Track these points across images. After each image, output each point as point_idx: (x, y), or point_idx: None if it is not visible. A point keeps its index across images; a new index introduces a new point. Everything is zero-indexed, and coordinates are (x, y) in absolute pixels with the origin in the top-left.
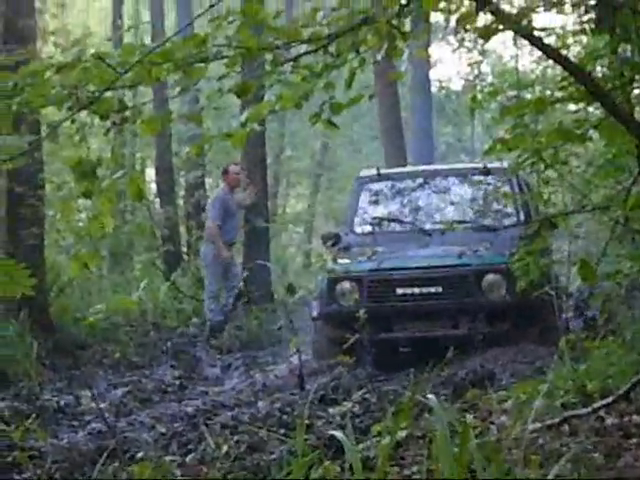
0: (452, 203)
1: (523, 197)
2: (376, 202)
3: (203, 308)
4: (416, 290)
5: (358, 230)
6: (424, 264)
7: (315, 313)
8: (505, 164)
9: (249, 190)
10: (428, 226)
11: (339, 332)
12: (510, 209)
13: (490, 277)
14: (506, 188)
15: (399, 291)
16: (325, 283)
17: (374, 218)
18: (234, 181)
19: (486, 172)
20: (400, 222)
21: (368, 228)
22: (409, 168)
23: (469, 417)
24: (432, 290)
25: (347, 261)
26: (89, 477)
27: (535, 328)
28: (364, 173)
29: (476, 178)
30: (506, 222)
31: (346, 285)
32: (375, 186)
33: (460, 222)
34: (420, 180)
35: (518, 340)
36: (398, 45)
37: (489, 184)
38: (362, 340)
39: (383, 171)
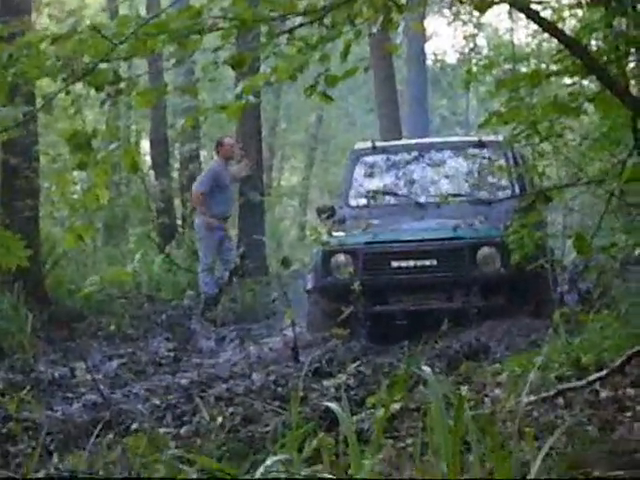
0: (447, 176)
1: (518, 170)
2: (371, 175)
3: (198, 281)
4: (411, 263)
5: (353, 203)
6: (419, 237)
7: (310, 286)
8: (500, 137)
9: (244, 163)
10: (423, 199)
11: (334, 305)
12: (505, 182)
13: (485, 250)
14: (501, 161)
15: (394, 264)
16: (320, 256)
17: (369, 191)
18: (228, 153)
19: (481, 145)
20: (395, 195)
21: (363, 201)
22: (404, 141)
23: (464, 390)
24: (427, 263)
25: (342, 234)
26: (84, 448)
27: (530, 301)
28: (359, 146)
29: (471, 151)
30: (501, 195)
31: (341, 258)
32: (370, 159)
33: (455, 195)
34: (415, 153)
35: (513, 313)
36: (393, 17)
37: (484, 157)
38: (357, 313)
39: (378, 144)
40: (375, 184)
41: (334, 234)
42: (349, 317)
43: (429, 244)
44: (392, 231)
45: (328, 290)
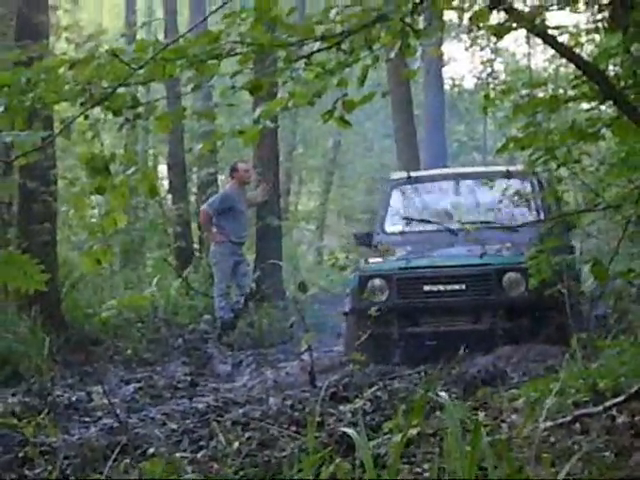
0: (477, 205)
1: (541, 197)
2: (406, 203)
3: (214, 305)
4: (441, 287)
5: (389, 230)
6: (449, 263)
7: (347, 308)
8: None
9: (261, 187)
10: (454, 226)
11: (370, 327)
12: (532, 210)
13: (510, 275)
14: (527, 189)
15: (426, 288)
16: (357, 280)
17: (404, 218)
18: (242, 178)
19: (509, 175)
20: (428, 222)
21: (399, 228)
22: (436, 171)
23: (480, 415)
24: (456, 287)
25: (379, 260)
26: (100, 473)
27: (552, 325)
28: (395, 176)
29: (499, 181)
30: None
31: (376, 282)
32: (405, 188)
33: (484, 223)
34: (446, 182)
35: (536, 336)
36: (411, 43)
37: (511, 186)
38: (391, 334)
39: (413, 174)
40: (409, 212)
41: (370, 260)
42: (384, 338)
43: (458, 270)
44: (424, 257)
45: (364, 312)
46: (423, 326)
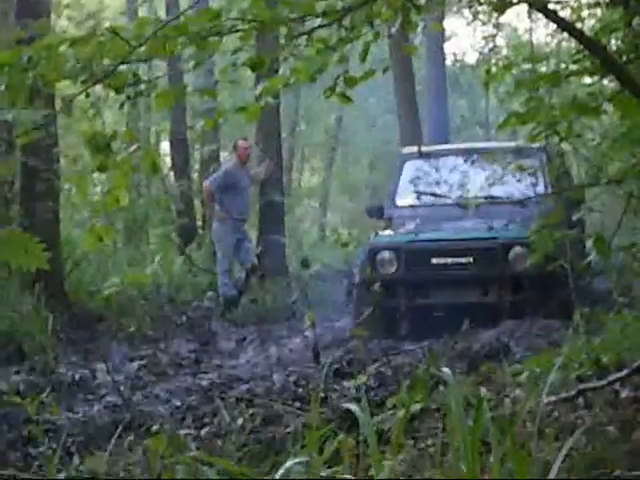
0: (486, 179)
1: (549, 172)
2: (417, 177)
3: (217, 282)
4: (449, 260)
5: (400, 203)
6: (457, 236)
7: (357, 280)
8: (536, 144)
9: (264, 164)
10: (463, 200)
11: (378, 299)
12: (540, 185)
13: (516, 249)
14: (536, 164)
15: (434, 261)
16: (366, 252)
17: (415, 192)
18: (243, 156)
19: (519, 151)
20: (438, 196)
21: (409, 201)
22: (447, 146)
23: (483, 390)
24: (463, 261)
25: (389, 232)
26: (104, 450)
27: (556, 299)
28: (406, 150)
29: (509, 157)
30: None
31: (385, 254)
32: (416, 162)
33: (492, 197)
34: (456, 157)
35: (542, 309)
36: (412, 18)
37: (522, 161)
38: (399, 305)
39: (424, 149)
40: (420, 186)
41: (380, 233)
42: (392, 310)
43: (466, 243)
44: (433, 230)
45: (373, 284)
46: (431, 298)
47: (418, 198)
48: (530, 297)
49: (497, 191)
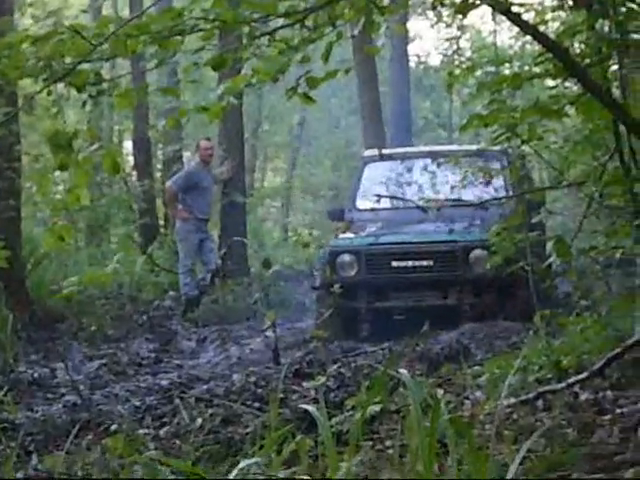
0: (446, 182)
1: (509, 175)
2: (377, 180)
3: (179, 282)
4: (409, 263)
5: (360, 206)
6: (417, 239)
7: (317, 283)
8: (497, 147)
9: (226, 164)
10: (424, 204)
11: (339, 301)
12: (501, 188)
13: (477, 252)
14: (497, 167)
15: (394, 264)
16: (326, 255)
17: (375, 195)
18: (205, 156)
19: (479, 154)
20: (399, 199)
21: (370, 204)
22: (409, 149)
23: (443, 392)
24: (424, 263)
25: (350, 235)
26: (63, 449)
27: (516, 301)
28: (367, 153)
29: (470, 159)
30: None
31: (346, 257)
32: (377, 165)
33: (453, 200)
34: (417, 160)
35: (502, 311)
36: (375, 19)
37: (481, 165)
38: (359, 308)
39: (385, 151)
40: (381, 189)
41: (341, 235)
42: (353, 312)
43: (426, 246)
44: (393, 233)
45: (333, 287)
46: (391, 301)
47: (378, 201)
48: (490, 300)
49: (458, 194)
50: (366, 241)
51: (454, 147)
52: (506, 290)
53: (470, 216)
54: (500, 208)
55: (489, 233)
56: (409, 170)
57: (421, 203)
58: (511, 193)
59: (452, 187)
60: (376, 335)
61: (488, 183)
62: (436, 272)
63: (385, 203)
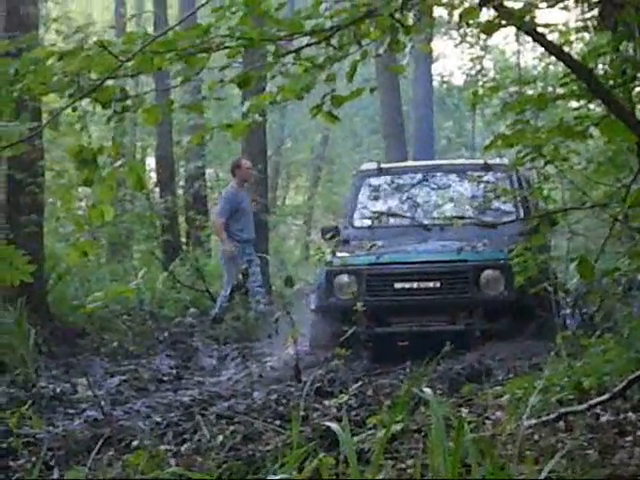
0: (452, 199)
1: (522, 193)
2: (376, 196)
3: (209, 299)
4: (414, 285)
5: (357, 224)
6: (422, 259)
7: (313, 305)
8: (505, 161)
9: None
10: (427, 221)
11: (337, 325)
12: (510, 206)
13: (488, 273)
14: (506, 184)
15: (397, 285)
16: (324, 276)
17: (374, 212)
18: (247, 175)
19: (486, 168)
20: (399, 217)
21: (367, 222)
22: (409, 163)
23: (464, 412)
24: (430, 285)
25: (346, 254)
26: (84, 465)
27: (533, 324)
28: (364, 167)
29: (476, 174)
30: (505, 219)
31: (344, 278)
32: (375, 180)
33: (459, 218)
34: (420, 175)
35: (515, 336)
36: (400, 39)
37: (489, 181)
38: (359, 334)
39: (383, 165)
40: (380, 206)
41: (338, 254)
42: (352, 338)
43: (432, 266)
44: (396, 253)
45: (331, 310)
46: (394, 326)
47: (378, 219)
48: (505, 324)
49: (464, 211)
50: (367, 260)
51: (457, 161)
52: (523, 312)
53: (477, 235)
54: (509, 227)
55: (503, 253)
56: (410, 185)
57: (426, 221)
58: (521, 211)
59: (457, 204)
60: (378, 363)
61: (500, 200)
62: (443, 294)
63: (384, 220)
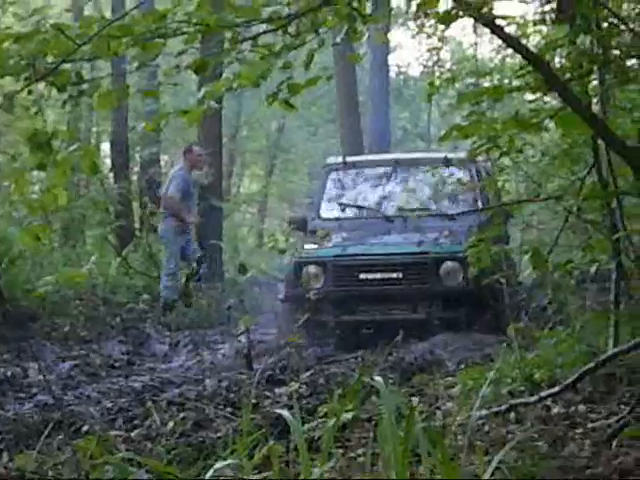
0: (414, 191)
1: (481, 186)
2: (342, 189)
3: (159, 285)
4: (378, 275)
5: (324, 215)
6: (386, 251)
7: (282, 295)
8: (464, 155)
9: (206, 169)
10: (391, 213)
11: (304, 314)
12: (470, 197)
13: (448, 265)
14: (466, 177)
15: (362, 276)
16: (292, 267)
17: (339, 204)
18: (196, 162)
19: (447, 162)
20: (364, 209)
21: (334, 213)
22: (374, 156)
23: (416, 401)
24: (393, 276)
25: (314, 246)
26: (34, 449)
27: (489, 315)
28: (331, 160)
29: (438, 168)
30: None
31: (312, 269)
32: (341, 173)
33: (421, 210)
34: (384, 168)
35: (473, 326)
36: (358, 28)
37: (451, 174)
38: (326, 322)
39: (349, 159)
40: (345, 198)
41: (306, 246)
42: (319, 325)
43: (395, 258)
44: (360, 244)
45: (299, 300)
46: (359, 314)
47: (343, 210)
48: (462, 314)
49: (426, 204)
50: (332, 252)
51: (421, 155)
52: (478, 304)
53: (438, 227)
54: (469, 219)
55: (462, 245)
56: (374, 178)
57: (389, 213)
58: (480, 203)
59: (427, 198)
60: (342, 349)
61: (460, 192)
62: (405, 285)
63: (350, 212)
